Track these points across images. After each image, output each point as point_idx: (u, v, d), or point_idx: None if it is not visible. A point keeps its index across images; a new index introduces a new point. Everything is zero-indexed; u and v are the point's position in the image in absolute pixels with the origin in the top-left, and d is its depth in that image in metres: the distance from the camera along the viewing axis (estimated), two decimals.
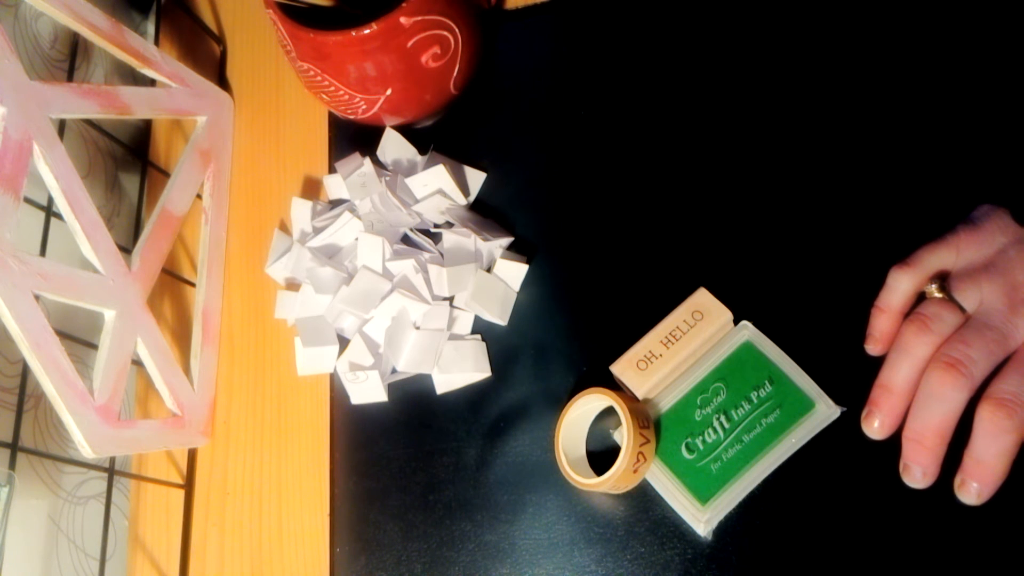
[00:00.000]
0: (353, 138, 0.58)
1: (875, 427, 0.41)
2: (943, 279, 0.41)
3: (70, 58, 0.57)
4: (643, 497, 0.44)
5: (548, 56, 0.56)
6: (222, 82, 0.64)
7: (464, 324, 0.50)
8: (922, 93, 0.47)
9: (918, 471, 0.39)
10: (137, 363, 0.50)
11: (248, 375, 0.55)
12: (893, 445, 0.41)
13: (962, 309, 0.40)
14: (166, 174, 0.60)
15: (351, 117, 0.53)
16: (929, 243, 0.42)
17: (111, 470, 0.51)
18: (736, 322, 0.45)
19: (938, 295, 0.40)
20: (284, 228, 0.58)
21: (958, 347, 0.38)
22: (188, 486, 0.53)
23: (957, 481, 0.39)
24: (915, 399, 0.40)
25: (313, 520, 0.50)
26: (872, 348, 0.42)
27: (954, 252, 0.41)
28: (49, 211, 0.50)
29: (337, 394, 0.52)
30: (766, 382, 0.43)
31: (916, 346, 0.40)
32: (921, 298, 0.41)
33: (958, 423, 0.38)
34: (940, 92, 0.47)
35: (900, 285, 0.41)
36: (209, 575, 0.51)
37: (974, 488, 0.38)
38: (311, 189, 0.59)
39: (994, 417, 0.37)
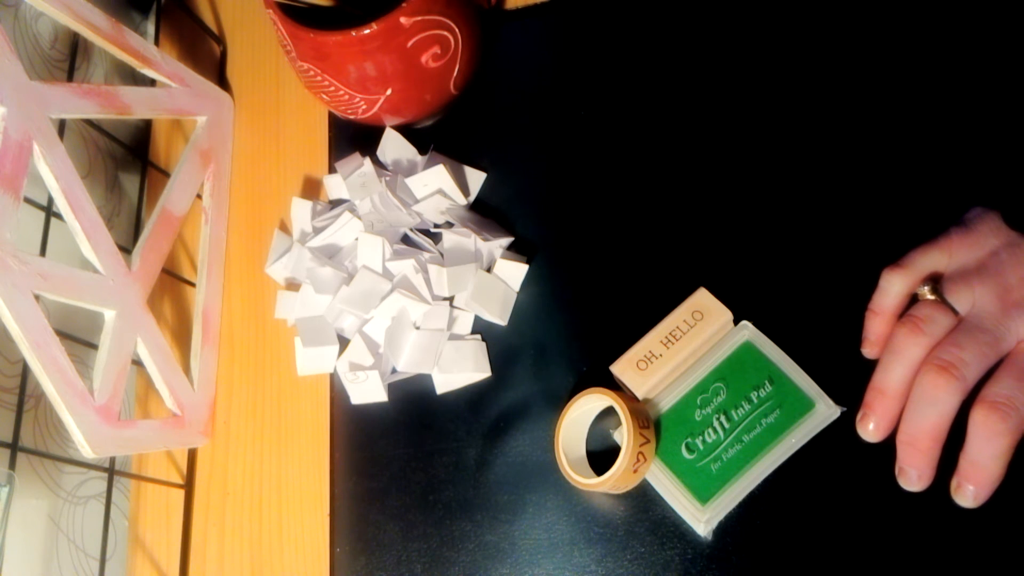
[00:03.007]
0: (353, 138, 0.58)
1: (870, 430, 0.41)
2: (936, 281, 0.41)
3: (70, 58, 0.57)
4: (643, 497, 0.44)
5: (548, 56, 0.56)
6: (222, 82, 0.64)
7: (464, 324, 0.50)
8: (917, 96, 0.47)
9: (913, 474, 0.39)
10: (137, 363, 0.50)
11: (248, 375, 0.55)
12: (893, 446, 0.41)
13: (955, 311, 0.40)
14: (166, 174, 0.60)
15: (351, 117, 0.53)
16: (921, 245, 0.41)
17: (111, 470, 0.51)
18: (736, 322, 0.45)
19: (930, 297, 0.40)
20: (284, 228, 0.58)
21: (950, 350, 0.38)
22: (188, 486, 0.53)
23: (953, 484, 0.39)
24: (908, 402, 0.40)
25: (313, 520, 0.50)
26: (868, 351, 0.42)
27: (946, 254, 0.41)
28: (49, 211, 0.50)
29: (337, 394, 0.52)
30: (766, 382, 0.43)
31: (908, 348, 0.40)
32: (914, 300, 0.41)
33: (953, 425, 0.38)
34: (934, 95, 0.47)
35: (892, 287, 0.41)
36: (209, 575, 0.51)
37: (970, 491, 0.38)
38: (311, 189, 0.59)
39: (987, 420, 0.37)
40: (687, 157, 0.50)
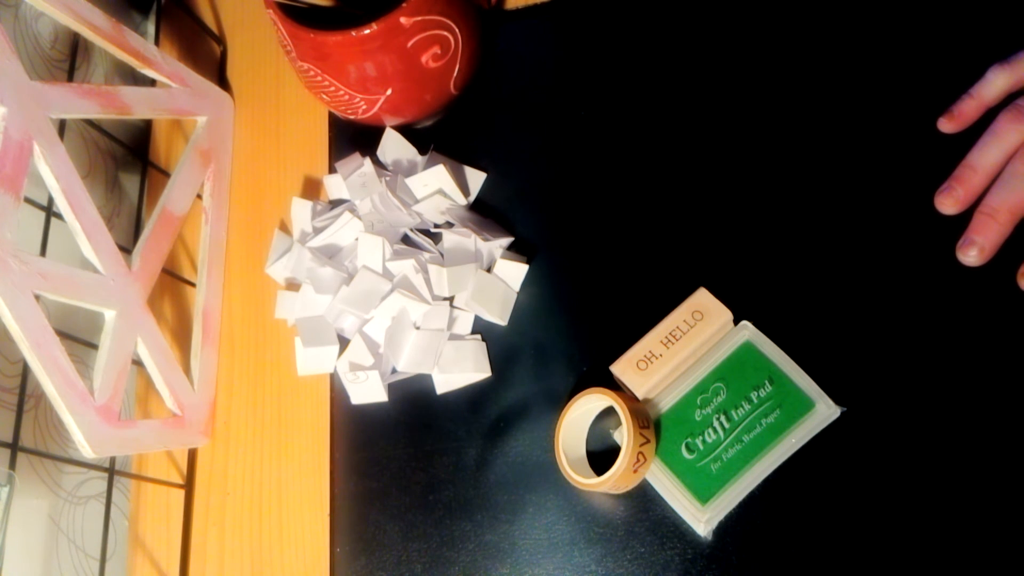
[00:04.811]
0: (353, 138, 0.58)
1: (950, 201, 0.43)
2: None
3: (70, 58, 0.57)
4: (643, 497, 0.44)
5: (548, 56, 0.56)
6: (222, 82, 0.64)
7: (464, 324, 0.50)
8: (922, 94, 0.47)
9: (975, 249, 0.41)
10: (137, 363, 0.50)
11: (248, 375, 0.55)
12: (893, 445, 0.41)
13: None
14: (166, 174, 0.60)
15: (351, 117, 0.53)
16: None
17: (111, 470, 0.51)
18: (736, 322, 0.45)
19: None
20: (284, 228, 0.58)
21: None
22: (188, 486, 0.53)
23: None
24: (999, 179, 0.42)
25: (313, 520, 0.50)
26: (946, 124, 0.45)
27: None
28: (49, 211, 0.50)
29: (337, 394, 0.52)
30: (766, 382, 0.43)
31: (1009, 132, 0.42)
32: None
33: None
34: (940, 93, 0.47)
35: (997, 80, 0.43)
36: (209, 575, 0.51)
37: None
38: (311, 189, 0.59)
39: None
40: (687, 157, 0.50)
